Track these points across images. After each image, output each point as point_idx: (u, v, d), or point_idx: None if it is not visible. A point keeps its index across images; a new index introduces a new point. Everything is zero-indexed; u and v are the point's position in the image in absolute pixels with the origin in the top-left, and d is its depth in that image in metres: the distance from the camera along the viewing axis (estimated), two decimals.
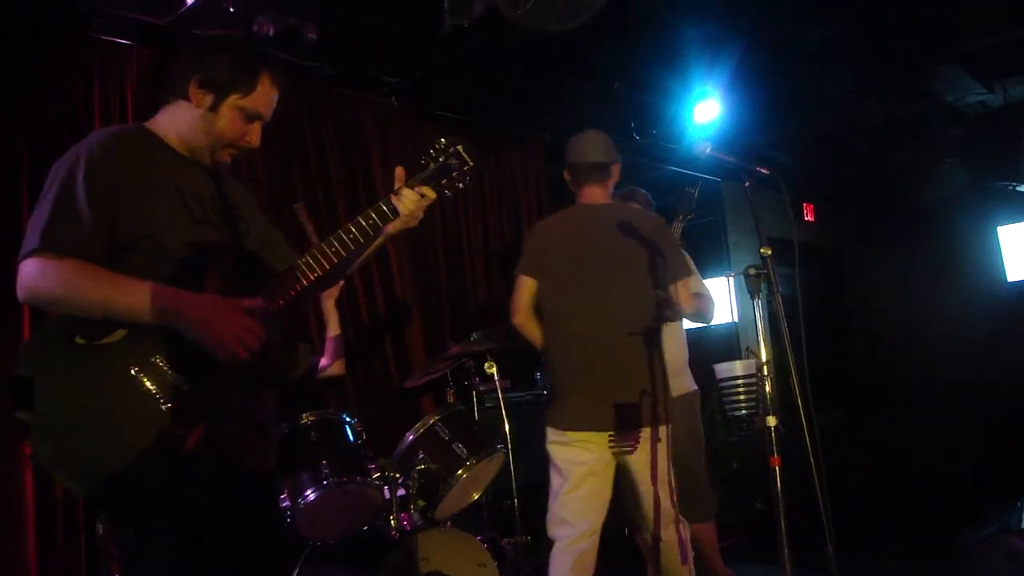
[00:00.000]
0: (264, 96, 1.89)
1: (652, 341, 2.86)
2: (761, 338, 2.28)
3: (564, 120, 5.53)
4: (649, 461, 2.83)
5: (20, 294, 1.66)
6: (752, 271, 2.27)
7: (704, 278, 3.66)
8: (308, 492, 2.84)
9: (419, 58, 4.49)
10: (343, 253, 1.90)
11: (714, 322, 3.41)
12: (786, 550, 2.14)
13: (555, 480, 2.93)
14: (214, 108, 1.85)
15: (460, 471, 3.16)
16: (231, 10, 3.58)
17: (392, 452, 3.28)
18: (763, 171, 2.46)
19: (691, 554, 2.94)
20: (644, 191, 3.78)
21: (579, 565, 2.81)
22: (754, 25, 4.53)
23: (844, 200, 8.54)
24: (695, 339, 4.04)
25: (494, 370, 3.78)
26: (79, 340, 1.63)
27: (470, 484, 3.30)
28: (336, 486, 2.87)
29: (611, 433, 2.84)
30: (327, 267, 1.88)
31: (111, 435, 1.60)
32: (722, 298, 6.99)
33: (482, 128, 5.34)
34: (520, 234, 5.55)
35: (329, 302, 3.61)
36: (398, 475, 3.15)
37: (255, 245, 1.96)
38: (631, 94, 5.37)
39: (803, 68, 5.10)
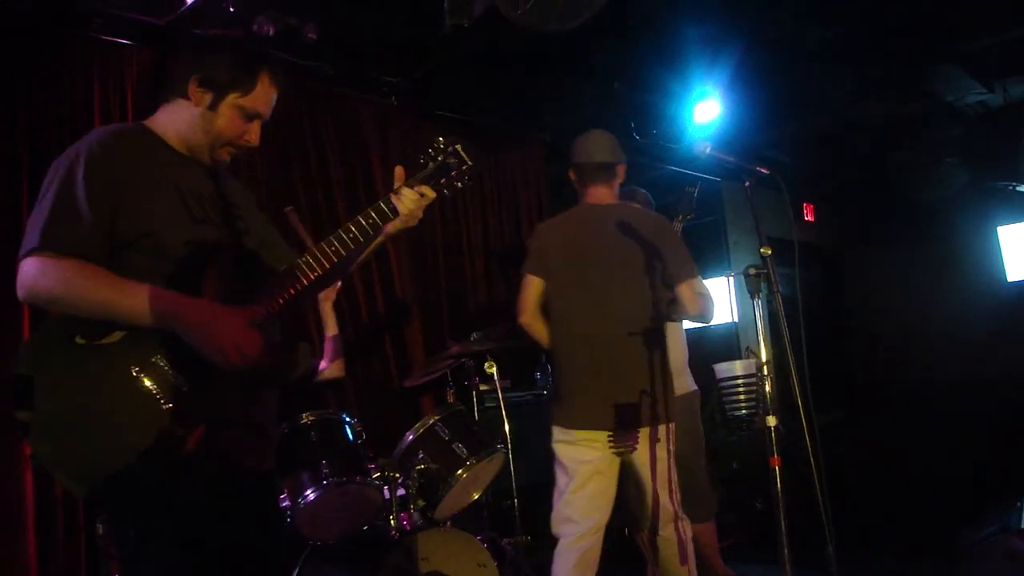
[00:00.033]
0: (263, 95, 1.89)
1: (656, 341, 2.87)
2: (761, 338, 2.28)
3: (564, 120, 5.53)
4: (659, 459, 2.85)
5: (20, 293, 1.66)
6: (752, 271, 2.27)
7: (704, 278, 3.65)
8: (308, 492, 2.84)
9: (419, 58, 4.49)
10: (343, 252, 1.90)
11: (714, 322, 3.41)
12: (786, 550, 2.14)
13: (561, 479, 2.94)
14: (213, 107, 1.85)
15: (460, 471, 3.16)
16: (231, 10, 3.58)
17: (392, 452, 3.28)
18: (763, 171, 2.46)
19: (692, 554, 2.94)
20: (644, 191, 3.78)
21: (583, 562, 2.83)
22: (754, 25, 4.53)
23: (844, 200, 8.53)
24: (695, 339, 4.04)
25: (494, 370, 3.78)
26: (79, 340, 1.63)
27: (470, 484, 3.30)
28: (336, 486, 2.87)
29: (610, 433, 2.85)
30: (327, 266, 1.89)
31: (111, 435, 1.60)
32: (722, 298, 6.99)
33: (482, 128, 5.34)
34: (520, 234, 5.55)
35: (326, 304, 3.61)
36: (398, 475, 3.15)
37: (254, 244, 1.96)
38: (631, 94, 5.37)
39: (803, 68, 5.10)
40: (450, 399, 3.88)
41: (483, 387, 4.20)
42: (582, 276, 2.97)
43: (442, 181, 2.02)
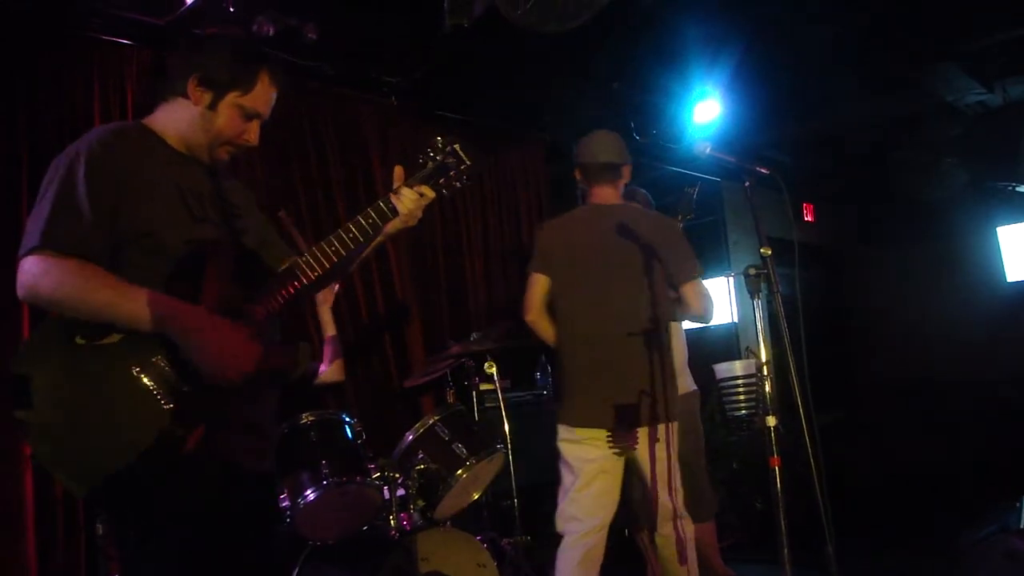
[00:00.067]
0: (263, 94, 1.89)
1: (658, 341, 2.88)
2: (761, 338, 2.28)
3: (564, 120, 5.53)
4: (659, 458, 2.86)
5: (20, 292, 1.65)
6: (752, 271, 2.27)
7: (704, 278, 3.66)
8: (308, 492, 2.83)
9: (419, 58, 4.48)
10: (343, 252, 1.91)
11: (714, 322, 3.42)
12: (786, 550, 2.15)
13: (566, 477, 2.96)
14: (213, 106, 1.85)
15: (460, 471, 3.16)
16: (231, 10, 3.58)
17: (392, 452, 3.28)
18: (763, 171, 2.46)
19: (692, 554, 2.94)
20: (644, 191, 3.78)
21: (587, 560, 2.85)
22: (754, 25, 4.52)
23: (844, 200, 8.53)
24: (695, 339, 4.04)
25: (494, 370, 3.78)
26: (79, 340, 1.62)
27: (470, 484, 3.30)
28: (336, 486, 2.87)
29: (608, 432, 2.86)
30: (327, 266, 1.89)
31: (111, 435, 1.60)
32: (722, 298, 6.99)
33: (482, 128, 5.33)
34: (520, 234, 5.55)
35: (324, 308, 3.62)
36: (398, 475, 3.15)
37: (253, 243, 1.96)
38: (631, 94, 5.37)
39: (803, 68, 5.10)
40: (450, 399, 3.88)
41: (483, 387, 4.20)
42: (586, 275, 2.98)
43: (441, 181, 2.02)
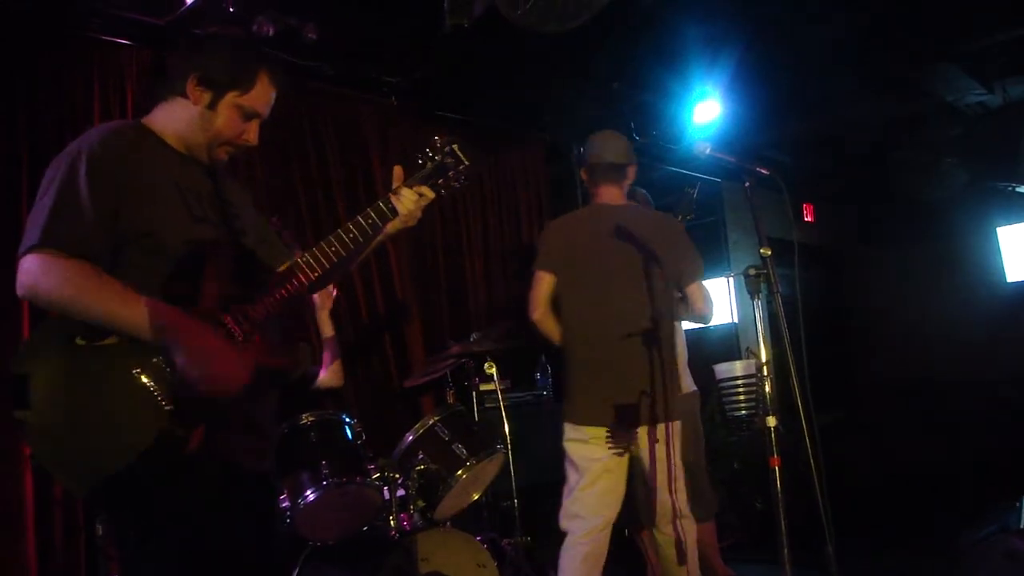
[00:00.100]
0: (262, 94, 1.89)
1: (660, 341, 2.89)
2: (761, 338, 2.28)
3: (564, 120, 5.53)
4: (659, 458, 2.87)
5: (20, 291, 1.65)
6: (752, 271, 2.27)
7: (703, 279, 3.67)
8: (308, 492, 2.83)
9: (419, 58, 4.48)
10: (343, 252, 1.91)
11: (714, 322, 3.43)
12: (786, 550, 2.15)
13: (571, 476, 2.97)
14: (212, 106, 1.85)
15: (460, 471, 3.16)
16: (231, 10, 3.58)
17: (392, 452, 3.28)
18: (763, 171, 2.46)
19: (693, 554, 2.94)
20: (643, 191, 3.78)
21: (591, 557, 2.87)
22: (754, 25, 4.52)
23: (844, 200, 8.53)
24: (695, 339, 4.04)
25: (494, 370, 3.78)
26: (79, 341, 1.62)
27: (470, 484, 3.30)
28: (336, 486, 2.87)
29: (608, 431, 2.87)
30: (327, 266, 1.89)
31: (112, 435, 1.60)
32: (722, 298, 6.98)
33: (482, 128, 5.33)
34: (520, 234, 5.55)
35: (324, 313, 3.63)
36: (398, 475, 3.15)
37: (252, 243, 1.96)
38: (631, 94, 5.37)
39: (803, 68, 5.10)
40: (450, 399, 3.88)
41: (483, 387, 4.20)
42: (589, 275, 3.00)
43: (440, 181, 2.03)
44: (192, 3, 3.55)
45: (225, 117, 1.86)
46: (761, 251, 2.29)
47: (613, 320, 2.93)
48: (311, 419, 3.02)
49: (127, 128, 1.89)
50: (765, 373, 2.28)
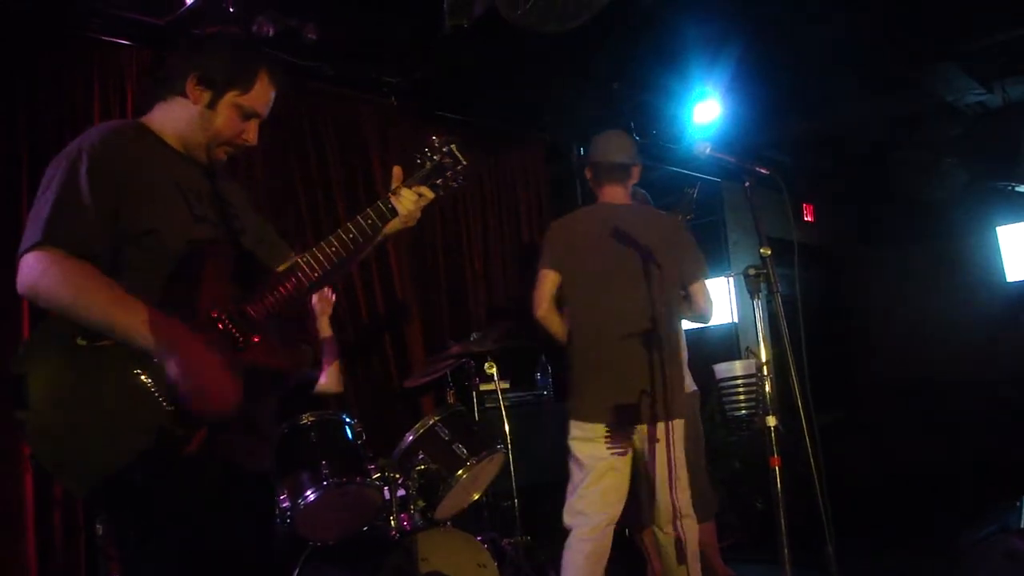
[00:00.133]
0: (262, 94, 1.89)
1: (663, 340, 2.90)
2: (761, 338, 2.28)
3: (564, 120, 5.53)
4: (662, 458, 2.88)
5: (20, 289, 1.64)
6: (752, 271, 2.28)
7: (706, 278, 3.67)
8: (308, 492, 2.83)
9: (419, 58, 4.49)
10: (343, 253, 1.91)
11: (714, 322, 3.43)
12: (786, 550, 2.15)
13: (576, 474, 2.99)
14: (212, 105, 1.85)
15: (460, 471, 3.16)
16: (231, 10, 3.58)
17: (392, 452, 3.28)
18: (763, 171, 2.47)
19: (693, 554, 2.95)
20: (643, 191, 3.78)
21: (594, 554, 2.89)
22: (754, 25, 4.53)
23: (844, 200, 8.53)
24: (695, 339, 4.04)
25: (494, 370, 3.78)
26: (80, 341, 1.61)
27: (470, 484, 3.30)
28: (336, 486, 2.87)
29: (607, 429, 2.88)
30: (327, 266, 1.89)
31: (112, 436, 1.59)
32: (722, 298, 6.98)
33: (482, 128, 5.33)
34: (520, 234, 5.55)
35: (323, 319, 3.63)
36: (398, 475, 3.15)
37: (251, 243, 1.96)
38: (631, 94, 5.37)
39: (803, 68, 5.10)
40: (450, 399, 3.88)
41: (483, 387, 4.20)
42: (594, 273, 3.01)
43: (439, 181, 2.03)
44: (192, 3, 3.55)
45: (224, 117, 1.86)
46: (761, 251, 2.29)
47: (619, 318, 2.94)
48: (311, 419, 3.02)
49: (127, 127, 1.89)
50: (765, 373, 2.28)
